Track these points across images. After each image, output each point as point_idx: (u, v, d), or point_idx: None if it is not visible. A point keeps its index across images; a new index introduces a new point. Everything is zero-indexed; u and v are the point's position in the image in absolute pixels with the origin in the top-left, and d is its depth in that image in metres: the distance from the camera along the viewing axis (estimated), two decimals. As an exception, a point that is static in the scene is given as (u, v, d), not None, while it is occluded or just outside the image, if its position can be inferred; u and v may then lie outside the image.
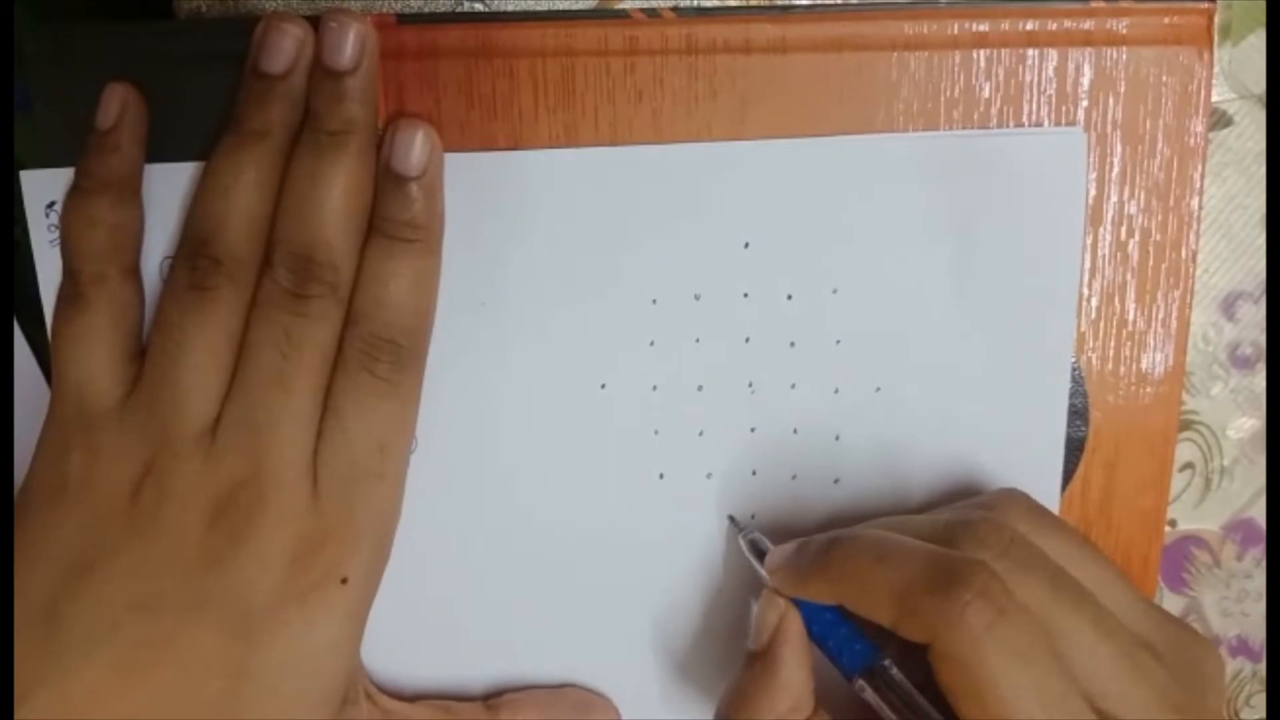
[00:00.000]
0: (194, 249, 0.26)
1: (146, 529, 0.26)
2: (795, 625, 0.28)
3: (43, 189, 0.28)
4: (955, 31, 0.29)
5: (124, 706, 0.25)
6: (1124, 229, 0.31)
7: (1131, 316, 0.32)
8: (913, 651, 0.25)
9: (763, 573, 0.29)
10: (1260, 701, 0.37)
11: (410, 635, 0.31)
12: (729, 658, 0.32)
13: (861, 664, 0.26)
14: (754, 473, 0.31)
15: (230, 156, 0.26)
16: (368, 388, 0.27)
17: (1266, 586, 0.35)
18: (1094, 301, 0.31)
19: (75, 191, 0.27)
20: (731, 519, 0.31)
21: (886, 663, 0.26)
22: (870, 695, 0.26)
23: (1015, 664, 0.24)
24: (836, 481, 0.32)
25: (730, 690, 0.28)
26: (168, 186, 0.28)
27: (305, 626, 0.26)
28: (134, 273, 0.27)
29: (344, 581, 0.26)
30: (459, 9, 0.29)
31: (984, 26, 0.30)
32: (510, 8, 0.30)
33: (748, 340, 0.30)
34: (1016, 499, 0.29)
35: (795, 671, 0.27)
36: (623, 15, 0.29)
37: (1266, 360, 0.34)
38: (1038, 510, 0.28)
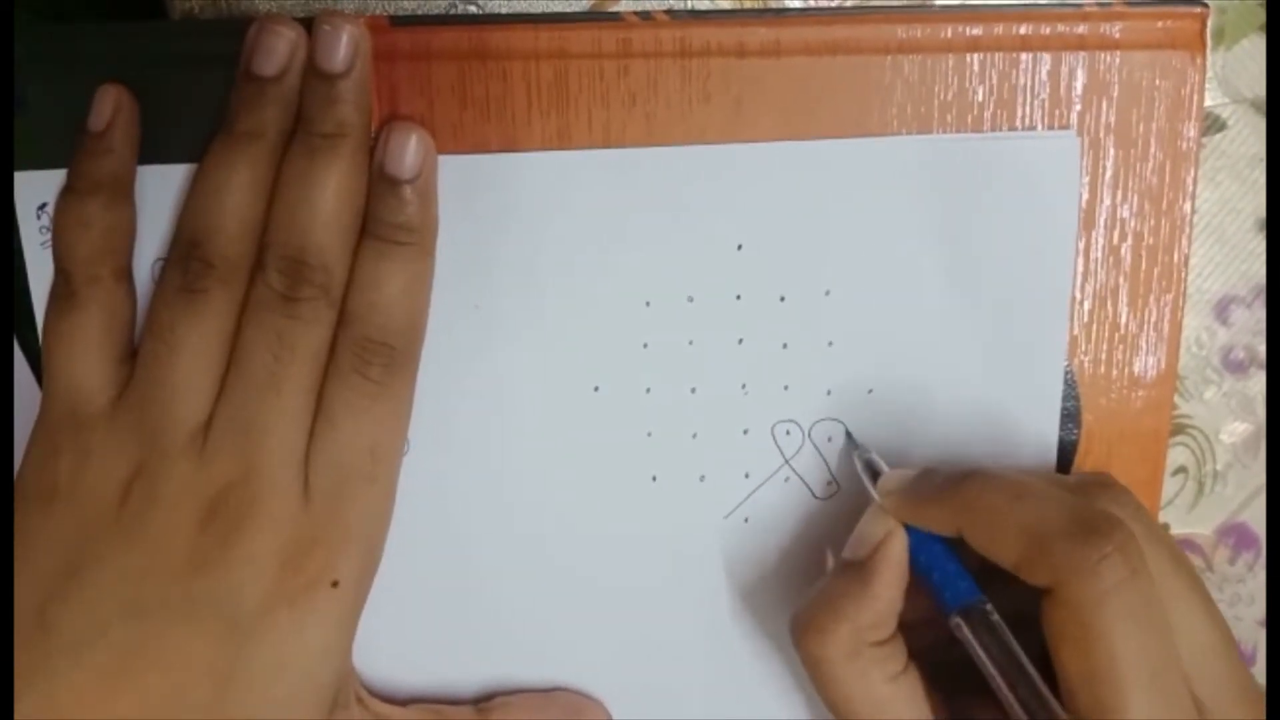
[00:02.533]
0: (186, 251, 0.26)
1: (136, 532, 0.25)
2: (899, 545, 0.27)
3: (34, 190, 0.28)
4: (949, 35, 0.29)
5: (112, 710, 0.25)
6: (1117, 233, 0.31)
7: (1124, 320, 0.32)
8: (1011, 604, 0.26)
9: (874, 492, 0.29)
10: (1253, 705, 0.37)
11: (402, 638, 0.31)
12: (722, 659, 0.32)
13: (963, 601, 0.26)
14: (747, 475, 0.31)
15: (223, 158, 0.26)
16: (360, 390, 0.27)
17: (1266, 590, 0.35)
18: (1086, 305, 0.31)
19: (67, 193, 0.27)
20: (849, 434, 0.31)
21: (988, 606, 0.26)
22: (965, 633, 0.26)
23: (1133, 626, 0.24)
24: (829, 483, 0.32)
25: (815, 595, 0.28)
26: (160, 188, 0.28)
27: (295, 630, 0.26)
28: (126, 274, 0.27)
29: (335, 585, 0.26)
30: (452, 11, 0.29)
31: (977, 30, 0.30)
32: (503, 10, 0.30)
33: (741, 342, 0.30)
34: (1114, 480, 0.29)
35: (887, 588, 0.27)
36: (616, 18, 0.29)
37: (1266, 364, 0.34)
38: (1131, 492, 0.29)
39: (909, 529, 0.28)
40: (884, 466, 0.29)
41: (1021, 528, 0.25)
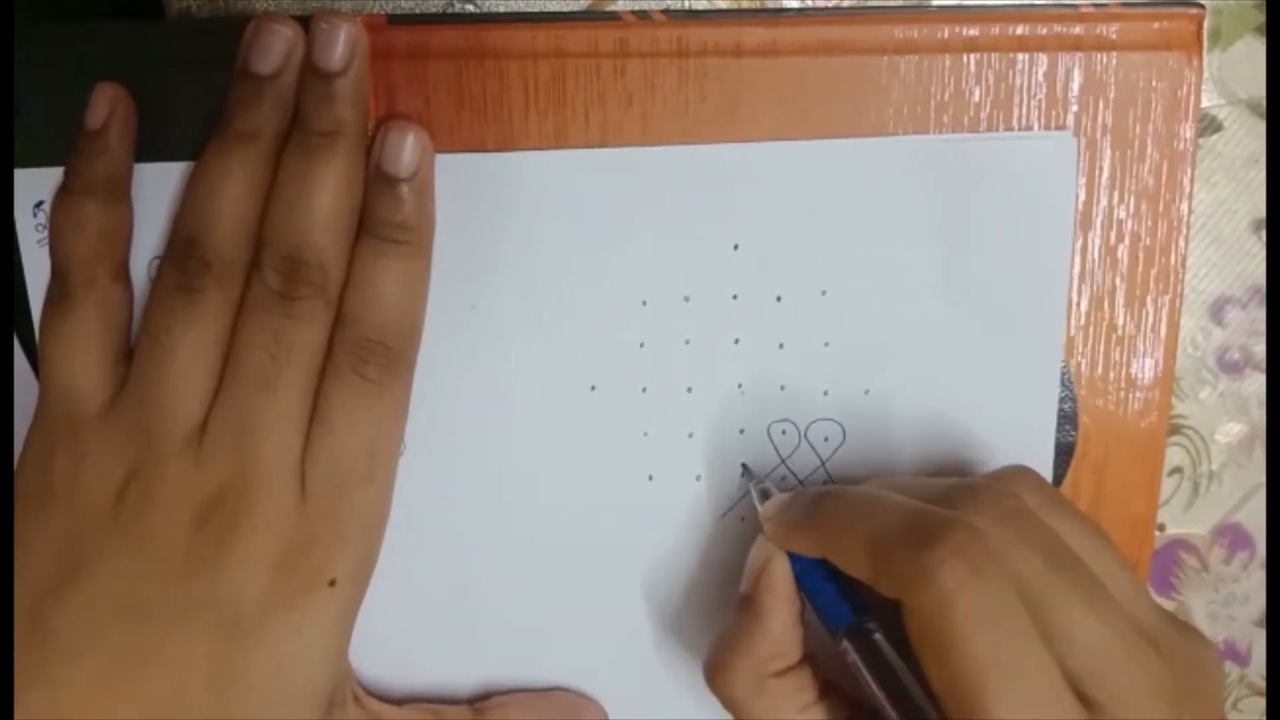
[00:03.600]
0: (182, 250, 0.26)
1: (132, 533, 0.25)
2: (781, 572, 0.27)
3: (30, 188, 0.28)
4: (945, 36, 0.30)
5: (111, 711, 0.25)
6: (1113, 233, 0.31)
7: (1121, 321, 0.32)
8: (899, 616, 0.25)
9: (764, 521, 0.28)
10: (1249, 706, 0.37)
11: (398, 638, 0.31)
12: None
13: (844, 623, 0.26)
14: (743, 474, 0.31)
15: (219, 157, 0.26)
16: (357, 390, 0.27)
17: (1267, 589, 0.35)
18: (1083, 306, 0.31)
19: (63, 192, 0.27)
20: (745, 466, 0.31)
21: (871, 625, 0.26)
22: (852, 656, 0.26)
23: (984, 626, 0.23)
24: (826, 484, 0.32)
25: (717, 635, 0.28)
26: (157, 187, 0.27)
27: (292, 630, 0.26)
28: (123, 274, 0.27)
29: (331, 584, 0.26)
30: (450, 10, 0.29)
31: (974, 31, 0.30)
32: (501, 9, 0.29)
33: (737, 342, 0.30)
34: (1027, 474, 0.28)
35: (777, 618, 0.27)
36: (613, 17, 0.29)
37: (1267, 364, 0.34)
38: (1047, 488, 0.28)
39: (793, 557, 0.27)
40: (775, 493, 0.29)
41: (865, 543, 0.25)
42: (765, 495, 0.29)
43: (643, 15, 0.29)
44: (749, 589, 0.28)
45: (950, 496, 0.26)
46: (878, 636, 0.26)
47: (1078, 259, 0.31)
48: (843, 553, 0.26)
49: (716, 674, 0.27)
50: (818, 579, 0.27)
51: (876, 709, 0.25)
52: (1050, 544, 0.25)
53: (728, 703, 0.27)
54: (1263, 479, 0.35)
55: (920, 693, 0.25)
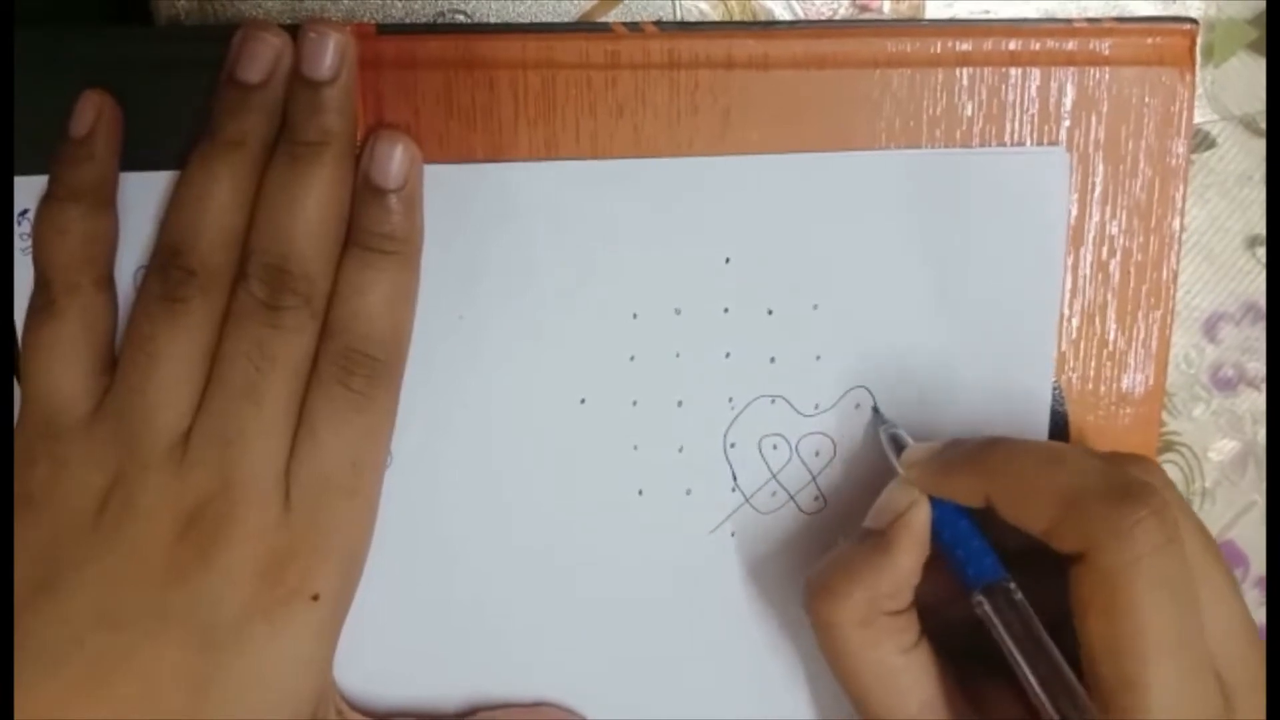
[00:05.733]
0: (167, 259, 0.26)
1: (112, 542, 0.25)
2: (922, 516, 0.27)
3: (16, 196, 0.27)
4: (938, 50, 0.29)
5: (85, 716, 0.24)
6: (1105, 249, 0.31)
7: (1112, 337, 0.32)
8: (1035, 585, 0.25)
9: (899, 466, 0.28)
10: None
11: (384, 651, 0.30)
12: (707, 675, 0.32)
13: (987, 578, 0.26)
14: (733, 489, 0.31)
15: (205, 166, 0.26)
16: (342, 401, 0.26)
17: (1266, 592, 0.35)
18: (1075, 321, 0.31)
19: (47, 200, 0.26)
20: (876, 410, 0.31)
21: (1012, 585, 0.26)
22: (986, 610, 0.26)
23: (1163, 593, 0.23)
24: (817, 499, 0.31)
25: (831, 560, 0.28)
26: (143, 195, 0.27)
27: (273, 642, 0.26)
28: (107, 282, 0.27)
29: (314, 598, 0.26)
30: (440, 19, 0.29)
31: (967, 45, 0.30)
32: (492, 19, 0.29)
33: (728, 355, 0.30)
34: (1146, 455, 0.29)
35: (907, 556, 0.27)
36: (605, 28, 0.29)
37: (1266, 375, 0.34)
38: None
39: (935, 506, 0.27)
40: (909, 440, 0.29)
41: (1054, 492, 0.25)
42: (895, 441, 0.29)
43: (634, 27, 0.29)
44: (882, 525, 0.27)
45: (1118, 460, 0.26)
46: (1019, 595, 0.26)
47: (1069, 274, 0.31)
48: (1019, 500, 0.26)
49: (823, 596, 0.27)
50: (960, 532, 0.27)
51: (1008, 666, 0.25)
52: (1199, 520, 0.26)
53: (826, 626, 0.27)
54: (1255, 497, 0.35)
55: (1058, 653, 0.25)
